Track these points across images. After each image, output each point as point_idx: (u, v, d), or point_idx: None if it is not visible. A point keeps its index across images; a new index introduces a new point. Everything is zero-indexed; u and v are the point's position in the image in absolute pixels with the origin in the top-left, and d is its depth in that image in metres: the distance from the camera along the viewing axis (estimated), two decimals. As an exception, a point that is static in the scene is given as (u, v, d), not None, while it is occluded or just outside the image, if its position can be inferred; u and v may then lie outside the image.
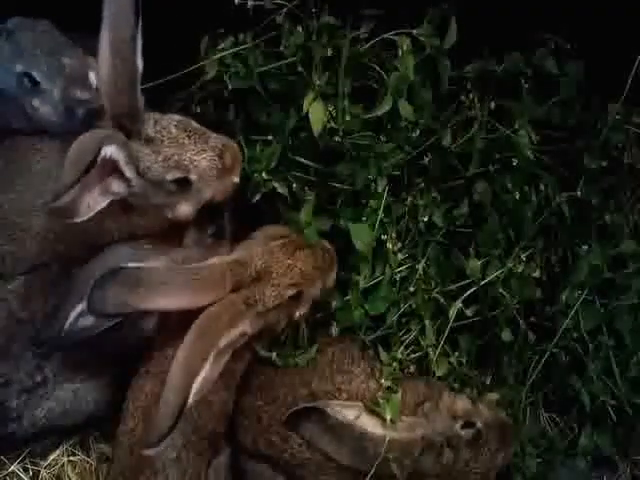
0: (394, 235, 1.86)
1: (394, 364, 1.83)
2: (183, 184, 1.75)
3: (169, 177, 1.73)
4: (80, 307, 1.63)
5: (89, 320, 1.64)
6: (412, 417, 1.76)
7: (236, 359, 1.74)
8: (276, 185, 1.85)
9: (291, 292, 1.73)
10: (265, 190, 1.86)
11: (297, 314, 1.80)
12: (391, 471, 1.71)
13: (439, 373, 1.86)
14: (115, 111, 1.67)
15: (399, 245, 1.87)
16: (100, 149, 1.58)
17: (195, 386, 1.51)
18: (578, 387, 1.94)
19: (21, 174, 1.85)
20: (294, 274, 1.73)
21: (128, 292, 1.53)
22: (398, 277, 1.87)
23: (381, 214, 1.84)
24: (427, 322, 1.87)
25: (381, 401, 1.73)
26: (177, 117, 1.76)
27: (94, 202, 1.64)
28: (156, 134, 1.71)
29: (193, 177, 1.75)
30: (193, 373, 1.51)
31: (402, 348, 1.85)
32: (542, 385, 1.98)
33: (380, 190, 1.83)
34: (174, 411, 1.47)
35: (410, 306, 1.87)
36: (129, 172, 1.69)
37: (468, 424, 1.78)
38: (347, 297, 1.85)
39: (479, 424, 1.78)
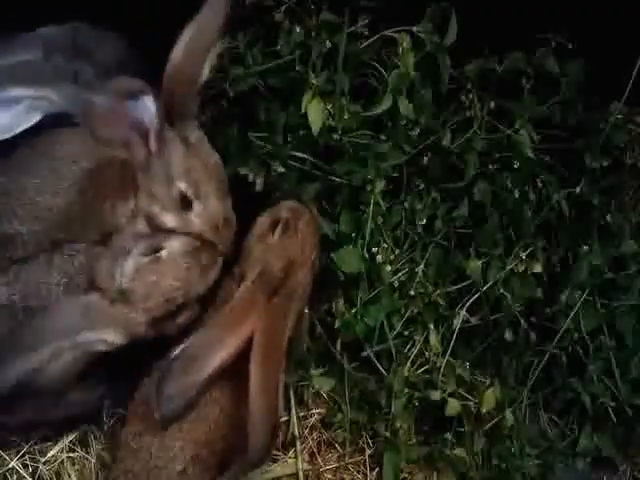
0: (388, 243, 1.85)
1: (405, 390, 1.86)
2: (185, 201, 1.74)
3: (179, 185, 1.73)
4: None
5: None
6: None
7: None
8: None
9: (314, 258, 1.77)
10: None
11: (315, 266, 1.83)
12: None
13: (449, 390, 1.86)
14: (169, 87, 1.68)
15: (396, 252, 1.87)
16: (141, 92, 1.60)
17: (280, 402, 1.54)
18: (578, 388, 1.93)
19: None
20: (308, 244, 1.76)
21: (187, 376, 1.55)
22: (397, 283, 1.87)
23: (380, 219, 1.84)
24: (431, 327, 1.87)
25: None
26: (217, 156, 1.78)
27: (117, 136, 1.67)
28: (193, 149, 1.73)
29: (196, 208, 1.74)
30: (275, 392, 1.54)
31: (408, 364, 1.86)
32: (542, 386, 1.98)
33: (378, 191, 1.83)
34: (266, 437, 1.51)
35: (412, 312, 1.87)
36: (153, 144, 1.70)
37: None
38: (347, 317, 1.86)
39: None
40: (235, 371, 1.61)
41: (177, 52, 1.68)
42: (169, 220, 1.77)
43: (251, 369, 1.55)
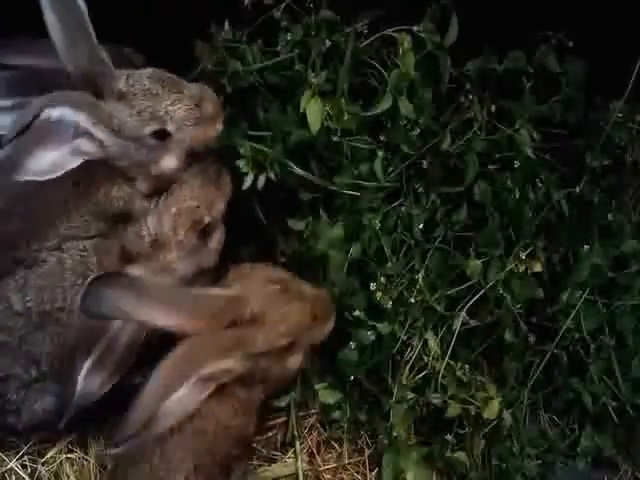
0: (386, 249, 1.85)
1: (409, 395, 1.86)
2: (162, 136, 1.73)
3: (146, 131, 1.71)
4: (89, 362, 1.62)
5: (97, 380, 1.64)
6: None
7: (249, 391, 1.73)
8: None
9: (283, 341, 1.68)
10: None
11: (291, 362, 1.75)
12: None
13: (450, 392, 1.85)
14: (78, 69, 1.65)
15: (394, 259, 1.86)
16: (41, 112, 1.54)
17: (167, 404, 1.47)
18: (579, 388, 1.92)
19: None
20: (288, 324, 1.68)
21: (126, 298, 1.50)
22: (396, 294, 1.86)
23: (378, 225, 1.84)
24: (429, 331, 1.87)
25: None
26: (149, 69, 1.74)
27: (63, 161, 1.62)
28: (129, 88, 1.69)
29: (171, 128, 1.73)
30: (168, 391, 1.48)
31: (407, 370, 1.86)
32: (542, 386, 1.97)
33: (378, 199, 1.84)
34: (138, 424, 1.44)
35: (413, 318, 1.86)
36: (99, 133, 1.66)
37: None
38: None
39: None
40: (229, 385, 1.63)
41: (53, 34, 1.63)
42: (169, 163, 1.79)
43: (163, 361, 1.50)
